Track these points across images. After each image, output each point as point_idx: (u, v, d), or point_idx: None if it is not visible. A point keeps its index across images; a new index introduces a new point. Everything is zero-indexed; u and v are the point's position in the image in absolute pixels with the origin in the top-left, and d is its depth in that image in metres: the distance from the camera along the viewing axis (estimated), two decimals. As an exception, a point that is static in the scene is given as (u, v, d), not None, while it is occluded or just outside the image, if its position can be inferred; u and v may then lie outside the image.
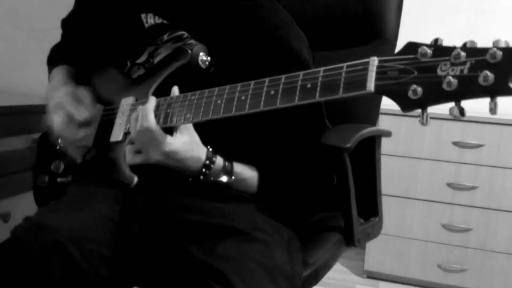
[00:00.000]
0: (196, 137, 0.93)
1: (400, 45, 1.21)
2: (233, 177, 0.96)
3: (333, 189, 1.03)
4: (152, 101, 0.92)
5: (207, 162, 0.93)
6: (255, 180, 0.99)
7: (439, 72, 0.62)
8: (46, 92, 1.13)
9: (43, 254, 0.81)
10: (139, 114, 0.92)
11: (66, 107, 1.06)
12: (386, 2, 1.30)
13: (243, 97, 0.82)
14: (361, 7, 1.33)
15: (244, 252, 0.84)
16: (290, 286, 0.85)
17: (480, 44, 0.61)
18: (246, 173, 0.98)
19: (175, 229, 0.93)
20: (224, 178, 0.95)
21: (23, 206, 1.96)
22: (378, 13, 1.31)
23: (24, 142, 2.07)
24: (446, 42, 0.64)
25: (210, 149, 0.94)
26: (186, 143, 0.91)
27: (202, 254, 0.85)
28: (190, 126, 0.91)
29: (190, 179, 0.95)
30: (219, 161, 0.95)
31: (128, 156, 0.96)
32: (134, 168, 0.96)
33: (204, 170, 0.93)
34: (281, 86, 0.78)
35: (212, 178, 0.94)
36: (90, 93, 1.09)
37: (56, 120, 1.06)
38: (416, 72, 0.64)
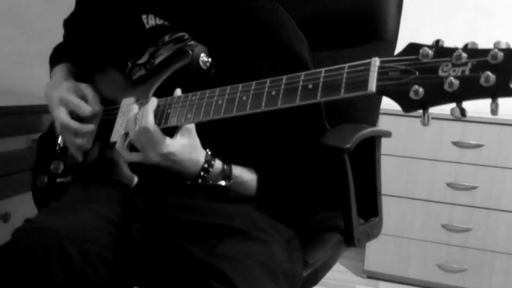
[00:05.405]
0: (196, 141, 0.92)
1: (399, 45, 1.22)
2: (231, 181, 0.96)
3: (333, 190, 1.03)
4: (153, 102, 0.92)
5: (206, 165, 0.93)
6: (254, 183, 0.99)
7: (440, 73, 0.62)
8: (45, 89, 1.13)
9: (43, 257, 0.80)
10: (138, 114, 0.92)
11: (69, 103, 1.06)
12: (386, 2, 1.30)
13: (244, 98, 0.82)
14: (361, 7, 1.34)
15: (244, 251, 0.84)
16: (290, 285, 0.85)
17: (481, 44, 0.61)
18: (245, 176, 0.98)
19: (175, 229, 0.93)
20: (222, 182, 0.95)
21: (23, 206, 1.96)
22: (378, 13, 1.31)
23: (24, 142, 2.07)
24: (447, 43, 0.64)
25: (209, 152, 0.94)
26: (185, 146, 0.90)
27: (203, 253, 0.85)
28: (192, 130, 0.91)
29: (189, 182, 0.94)
30: (217, 164, 0.94)
31: (124, 153, 0.95)
32: (134, 168, 0.96)
33: (202, 173, 0.93)
34: (283, 86, 0.78)
35: (210, 182, 0.94)
36: (92, 89, 1.09)
37: (59, 116, 1.06)
38: (417, 73, 0.64)
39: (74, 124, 1.05)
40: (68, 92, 1.08)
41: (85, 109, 1.05)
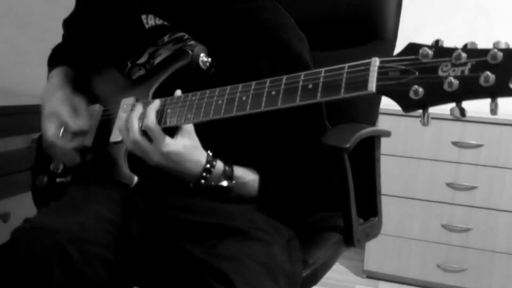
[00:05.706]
0: (197, 142, 0.92)
1: (399, 45, 1.22)
2: (233, 181, 0.96)
3: (332, 189, 1.03)
4: (156, 102, 0.92)
5: (208, 166, 0.93)
6: (255, 183, 0.98)
7: (440, 73, 0.62)
8: (42, 93, 1.13)
9: (43, 257, 0.80)
10: (130, 117, 0.92)
11: (60, 115, 1.06)
12: (385, 2, 1.31)
13: (244, 98, 0.82)
14: (360, 7, 1.34)
15: (244, 251, 0.84)
16: (290, 285, 0.85)
17: (481, 44, 0.61)
18: (247, 176, 0.98)
19: (175, 229, 0.93)
20: (224, 183, 0.95)
21: (23, 206, 1.96)
22: (377, 13, 1.31)
23: (23, 142, 2.07)
24: (447, 43, 0.64)
25: (210, 154, 0.94)
26: (186, 147, 0.90)
27: (203, 253, 0.85)
28: (191, 130, 0.91)
29: (191, 185, 0.94)
30: (219, 165, 0.94)
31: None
32: (134, 168, 0.96)
33: (204, 174, 0.93)
34: (283, 86, 0.78)
35: (213, 183, 0.94)
36: (85, 102, 1.09)
37: (49, 128, 1.06)
38: (417, 73, 0.64)
39: (60, 142, 1.05)
40: (61, 104, 1.07)
41: (76, 123, 1.05)
